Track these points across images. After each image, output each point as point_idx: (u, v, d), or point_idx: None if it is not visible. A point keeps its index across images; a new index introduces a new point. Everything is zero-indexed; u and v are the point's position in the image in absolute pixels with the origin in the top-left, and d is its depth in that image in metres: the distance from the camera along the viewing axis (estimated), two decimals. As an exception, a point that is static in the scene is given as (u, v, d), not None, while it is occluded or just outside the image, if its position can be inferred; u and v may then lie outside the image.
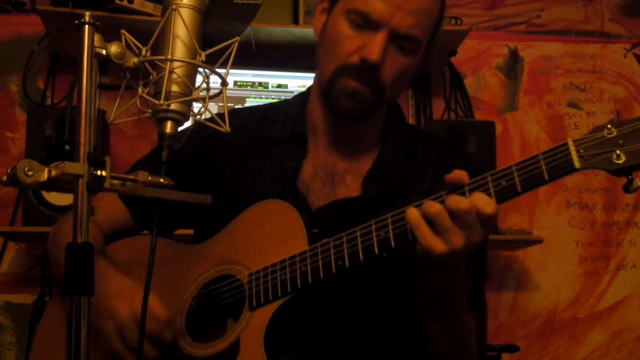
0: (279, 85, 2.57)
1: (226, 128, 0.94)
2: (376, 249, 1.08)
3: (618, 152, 0.96)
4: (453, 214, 1.00)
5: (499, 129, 2.68)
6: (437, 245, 1.01)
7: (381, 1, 1.17)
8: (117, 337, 1.14)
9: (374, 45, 1.17)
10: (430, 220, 1.02)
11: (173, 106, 0.91)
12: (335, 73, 1.22)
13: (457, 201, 1.00)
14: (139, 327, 1.10)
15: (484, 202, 1.00)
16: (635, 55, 2.96)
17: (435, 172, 1.28)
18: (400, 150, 1.31)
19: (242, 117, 1.38)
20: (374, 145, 1.32)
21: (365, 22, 1.19)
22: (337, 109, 1.25)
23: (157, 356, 1.15)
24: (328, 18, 1.27)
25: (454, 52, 2.63)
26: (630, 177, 0.96)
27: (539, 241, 2.60)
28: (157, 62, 0.91)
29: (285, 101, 1.45)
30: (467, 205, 0.99)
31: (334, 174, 1.30)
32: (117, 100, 0.91)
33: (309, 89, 1.38)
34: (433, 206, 1.02)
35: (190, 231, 1.42)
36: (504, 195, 1.01)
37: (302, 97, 1.38)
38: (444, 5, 1.26)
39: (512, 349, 2.37)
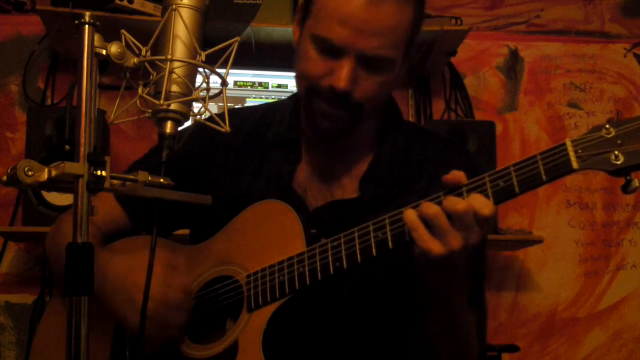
0: (279, 85, 2.57)
1: (226, 128, 0.94)
2: (374, 250, 1.08)
3: (616, 152, 0.95)
4: (450, 216, 1.00)
5: (499, 129, 2.68)
6: (435, 246, 1.01)
7: (342, 27, 1.13)
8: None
9: (341, 72, 1.14)
10: (427, 222, 1.01)
11: (173, 106, 0.91)
12: (308, 94, 1.21)
13: (454, 203, 1.00)
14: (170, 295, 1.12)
15: (481, 203, 0.99)
16: (635, 55, 2.96)
17: (432, 171, 1.27)
18: (397, 149, 1.30)
19: (239, 119, 1.38)
20: (371, 146, 1.31)
21: (329, 48, 1.15)
22: (315, 129, 1.24)
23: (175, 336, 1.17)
24: (301, 33, 1.24)
25: (454, 52, 2.63)
26: (628, 177, 0.96)
27: (539, 241, 2.60)
28: (157, 62, 0.91)
29: (282, 101, 1.44)
30: (464, 206, 0.99)
31: (330, 175, 1.29)
32: (117, 100, 0.91)
33: None
34: (430, 208, 1.01)
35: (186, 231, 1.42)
36: (501, 196, 1.01)
37: (296, 102, 1.37)
38: (418, 7, 1.20)
39: (512, 349, 2.37)
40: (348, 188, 1.28)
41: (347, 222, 1.14)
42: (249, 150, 1.34)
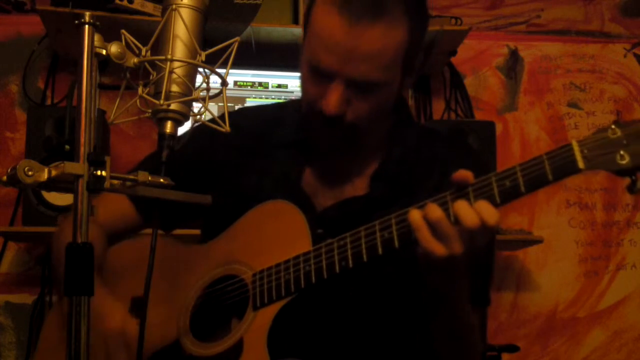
0: (279, 85, 2.57)
1: (226, 128, 0.94)
2: (380, 249, 1.08)
3: (622, 152, 0.95)
4: (458, 221, 1.00)
5: (499, 129, 2.68)
6: (438, 248, 1.01)
7: (328, 54, 1.13)
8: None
9: (330, 97, 1.14)
10: (431, 225, 1.02)
11: (173, 106, 0.91)
12: (307, 113, 1.23)
13: (464, 211, 1.00)
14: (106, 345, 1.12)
15: (488, 213, 0.99)
16: (635, 55, 2.96)
17: (441, 169, 1.28)
18: (408, 148, 1.31)
19: (245, 117, 1.39)
20: (381, 145, 1.32)
21: (319, 73, 1.16)
22: (317, 145, 1.26)
23: None
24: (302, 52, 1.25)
25: (454, 52, 2.63)
26: (634, 177, 0.96)
27: (539, 241, 2.59)
28: (157, 62, 0.91)
29: (292, 102, 1.45)
30: (473, 216, 0.99)
31: (340, 175, 1.30)
32: (117, 100, 0.91)
33: None
34: (435, 212, 1.01)
35: (191, 231, 1.42)
36: (507, 196, 1.01)
37: None
38: (414, 24, 1.16)
39: (512, 349, 2.37)
40: (358, 186, 1.28)
41: (355, 219, 1.14)
42: (255, 150, 1.34)
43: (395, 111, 1.33)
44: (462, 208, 1.00)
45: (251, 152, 1.34)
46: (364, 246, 1.09)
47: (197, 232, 1.43)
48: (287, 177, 1.29)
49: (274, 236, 1.19)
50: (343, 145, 1.24)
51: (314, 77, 1.18)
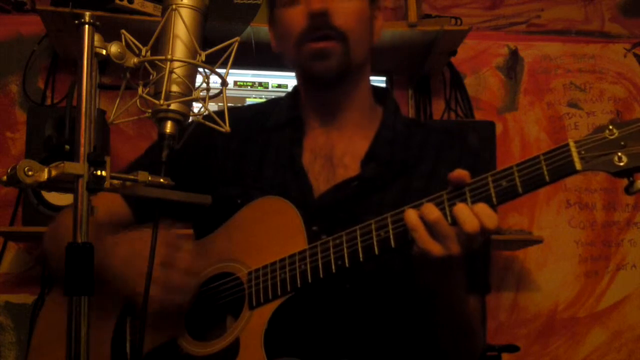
0: (279, 85, 2.57)
1: (226, 128, 0.94)
2: (376, 249, 1.08)
3: (620, 154, 0.95)
4: (456, 223, 1.00)
5: (499, 129, 2.68)
6: (435, 249, 1.01)
7: None
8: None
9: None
10: (428, 226, 1.02)
11: (173, 106, 0.91)
12: (297, 48, 1.27)
13: (464, 215, 1.00)
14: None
15: (487, 216, 0.99)
16: (635, 55, 2.96)
17: (435, 154, 1.29)
18: (397, 133, 1.33)
19: (238, 111, 1.43)
20: (371, 128, 1.34)
21: None
22: (314, 75, 1.28)
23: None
24: (275, 27, 1.35)
25: (454, 52, 2.63)
26: (631, 179, 0.96)
27: (539, 241, 2.60)
28: (157, 62, 0.91)
29: (279, 97, 1.49)
30: (473, 221, 0.99)
31: (332, 156, 1.31)
32: (117, 100, 0.91)
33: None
34: (432, 212, 1.02)
35: (185, 231, 1.42)
36: (504, 197, 1.01)
37: (295, 90, 1.42)
38: None
39: (512, 349, 2.36)
40: (350, 167, 1.29)
41: (351, 202, 1.17)
42: (251, 138, 1.36)
43: (381, 102, 1.37)
44: (462, 212, 1.00)
45: (246, 140, 1.36)
46: (359, 245, 1.09)
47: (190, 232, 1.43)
48: (286, 160, 1.31)
49: (269, 233, 1.19)
50: (339, 65, 1.26)
51: (292, 6, 1.27)
